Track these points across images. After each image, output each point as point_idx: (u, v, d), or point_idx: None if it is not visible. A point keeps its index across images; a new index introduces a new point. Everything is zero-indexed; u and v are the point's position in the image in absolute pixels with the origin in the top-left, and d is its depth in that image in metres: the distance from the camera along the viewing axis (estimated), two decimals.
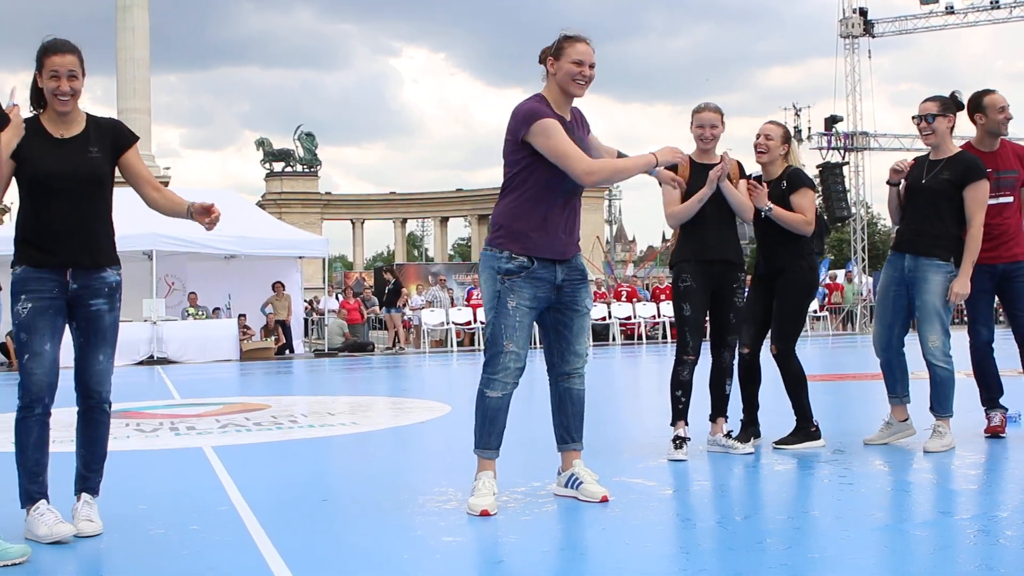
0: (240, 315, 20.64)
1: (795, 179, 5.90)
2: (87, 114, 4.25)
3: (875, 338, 6.08)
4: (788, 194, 5.86)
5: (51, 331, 4.07)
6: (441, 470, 5.58)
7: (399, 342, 22.82)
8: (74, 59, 4.09)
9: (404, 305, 23.73)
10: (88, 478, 4.27)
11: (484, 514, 4.27)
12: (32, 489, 4.06)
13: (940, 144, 5.84)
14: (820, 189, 31.92)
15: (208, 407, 9.70)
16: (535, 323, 4.64)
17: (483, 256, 4.61)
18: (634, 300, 24.67)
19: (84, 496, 4.22)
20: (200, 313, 20.32)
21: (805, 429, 5.94)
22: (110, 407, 4.28)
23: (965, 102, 5.95)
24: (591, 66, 4.51)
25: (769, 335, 6.06)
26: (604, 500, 4.46)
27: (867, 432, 6.14)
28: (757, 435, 6.03)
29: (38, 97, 4.15)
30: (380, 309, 24.31)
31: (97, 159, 4.18)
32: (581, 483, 4.57)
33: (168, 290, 21.55)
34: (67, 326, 4.18)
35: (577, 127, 4.63)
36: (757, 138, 5.95)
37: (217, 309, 20.89)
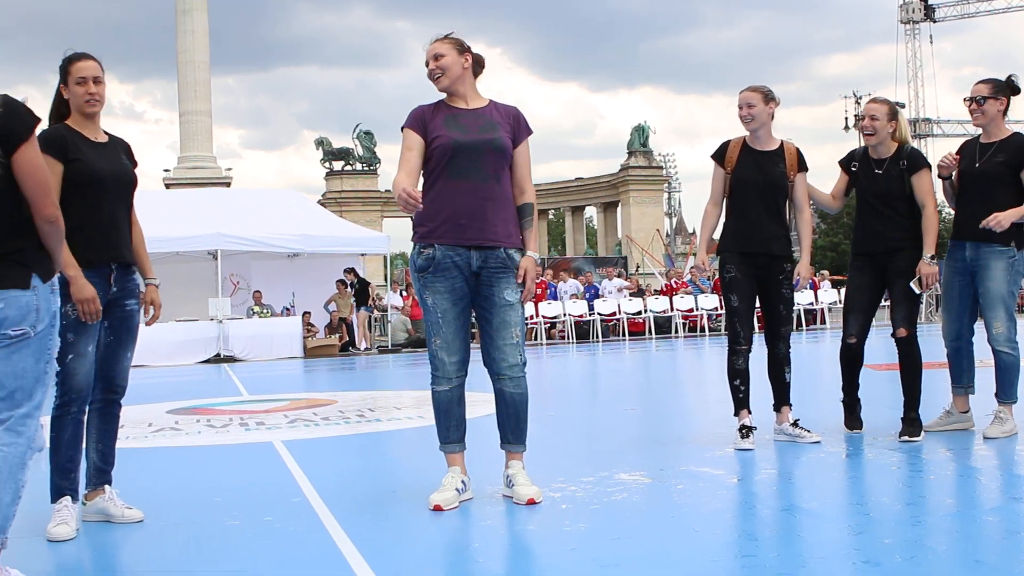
0: (304, 312, 20.88)
1: (915, 159, 5.80)
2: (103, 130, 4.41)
3: (944, 328, 5.99)
4: (909, 174, 5.75)
5: (95, 333, 4.18)
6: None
7: (355, 344, 21.69)
8: (96, 65, 4.27)
9: (372, 304, 23.01)
10: (107, 471, 4.40)
11: (436, 508, 4.27)
12: (64, 485, 4.16)
13: (989, 126, 5.76)
14: None
15: (276, 403, 9.85)
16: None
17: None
18: (672, 295, 24.75)
19: (110, 488, 4.36)
20: (265, 311, 20.60)
21: (917, 418, 5.79)
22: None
23: (1023, 86, 5.83)
24: (435, 58, 4.48)
25: (891, 319, 5.84)
26: (531, 503, 4.35)
27: (930, 420, 6.08)
28: (861, 424, 6.04)
29: (59, 110, 4.29)
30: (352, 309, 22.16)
31: (128, 166, 4.40)
32: (513, 484, 4.51)
33: (233, 289, 21.88)
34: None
35: (486, 119, 4.53)
36: (861, 119, 5.92)
37: (288, 310, 21.06)
